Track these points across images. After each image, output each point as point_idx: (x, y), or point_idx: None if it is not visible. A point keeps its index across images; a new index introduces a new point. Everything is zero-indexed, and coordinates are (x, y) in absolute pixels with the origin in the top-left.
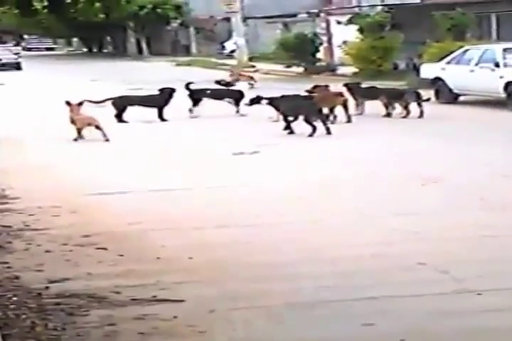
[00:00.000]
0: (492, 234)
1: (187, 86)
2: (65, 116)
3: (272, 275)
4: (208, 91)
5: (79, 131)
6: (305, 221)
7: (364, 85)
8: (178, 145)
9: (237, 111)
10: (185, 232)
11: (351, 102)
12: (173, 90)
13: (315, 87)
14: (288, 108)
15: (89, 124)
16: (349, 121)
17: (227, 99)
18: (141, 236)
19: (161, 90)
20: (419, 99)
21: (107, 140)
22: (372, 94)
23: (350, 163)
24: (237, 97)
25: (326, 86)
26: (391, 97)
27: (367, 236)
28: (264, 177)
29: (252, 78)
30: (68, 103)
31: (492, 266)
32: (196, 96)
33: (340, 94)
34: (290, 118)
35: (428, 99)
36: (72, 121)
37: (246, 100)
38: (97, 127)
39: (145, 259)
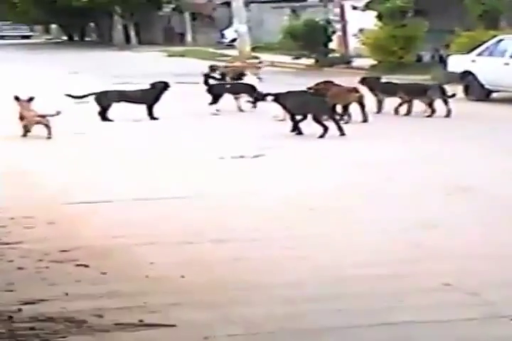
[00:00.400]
0: None
1: (206, 80)
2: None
3: (275, 298)
4: (228, 86)
5: (26, 127)
6: (314, 235)
7: (384, 80)
8: (169, 148)
9: (254, 107)
10: (177, 247)
11: (369, 99)
12: (166, 85)
13: (318, 83)
14: (295, 105)
15: (37, 122)
16: (365, 120)
17: (243, 95)
18: (127, 251)
19: (153, 85)
20: (444, 95)
21: (49, 138)
22: (392, 89)
23: (367, 168)
24: (253, 93)
25: (330, 82)
26: (412, 93)
27: (384, 252)
28: (268, 185)
29: (258, 68)
30: (17, 98)
31: None
32: (216, 92)
33: (355, 90)
34: (298, 117)
35: (453, 95)
36: (21, 117)
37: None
38: (46, 126)
39: (131, 278)
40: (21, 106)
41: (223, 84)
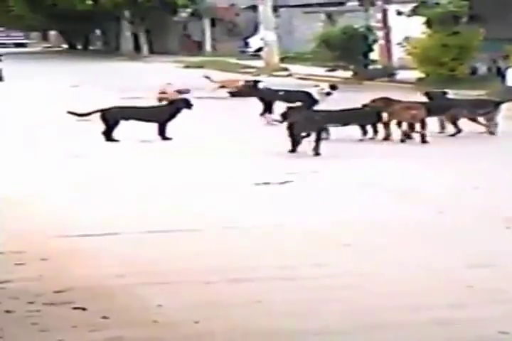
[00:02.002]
0: None
1: (254, 85)
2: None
3: None
4: (281, 93)
5: None
6: (350, 274)
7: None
8: (183, 173)
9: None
10: (190, 288)
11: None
12: (186, 102)
13: (375, 100)
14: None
15: None
16: (424, 141)
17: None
18: (131, 292)
19: (171, 102)
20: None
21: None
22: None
23: (413, 197)
24: (310, 102)
25: (387, 98)
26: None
27: (431, 295)
28: (297, 216)
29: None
30: None
31: None
32: (268, 99)
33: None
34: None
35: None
36: None
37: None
38: None
39: (137, 323)
40: None
41: (276, 91)
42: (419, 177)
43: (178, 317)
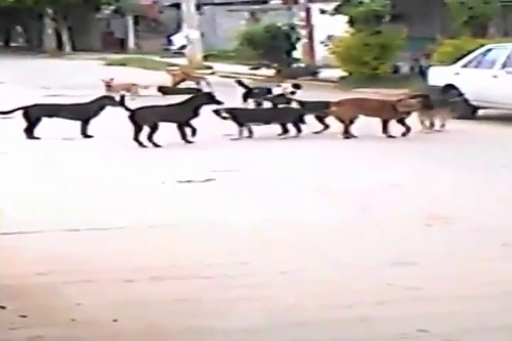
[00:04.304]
0: None
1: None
2: None
3: None
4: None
5: None
6: (272, 272)
7: None
8: (102, 171)
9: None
10: (109, 286)
11: None
12: (111, 99)
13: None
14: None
15: None
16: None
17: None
18: (52, 290)
19: (95, 99)
20: None
21: None
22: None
23: (334, 194)
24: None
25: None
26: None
27: (353, 293)
28: (220, 214)
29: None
30: None
31: None
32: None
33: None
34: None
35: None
36: None
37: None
38: None
39: (56, 322)
40: None
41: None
42: (342, 175)
43: (97, 316)
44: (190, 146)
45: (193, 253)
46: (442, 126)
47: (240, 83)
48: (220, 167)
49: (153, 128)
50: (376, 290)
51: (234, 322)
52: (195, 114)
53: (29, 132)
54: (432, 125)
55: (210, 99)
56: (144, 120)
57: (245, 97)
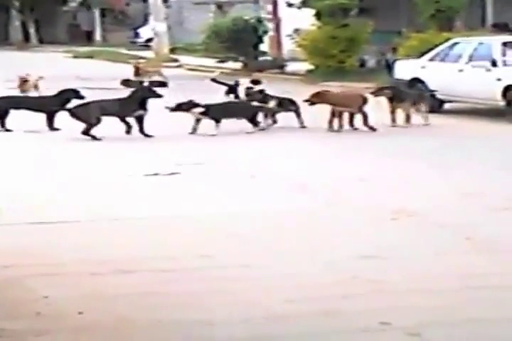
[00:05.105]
0: (479, 285)
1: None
2: None
3: (187, 339)
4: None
5: None
6: (238, 265)
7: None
8: (69, 164)
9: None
10: (74, 279)
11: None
12: (75, 92)
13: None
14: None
15: None
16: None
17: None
18: (16, 283)
19: (60, 92)
20: None
21: None
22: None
23: (300, 188)
24: None
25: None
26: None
27: (318, 287)
28: (185, 206)
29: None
30: None
31: (476, 327)
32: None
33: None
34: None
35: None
36: None
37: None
38: None
39: (21, 315)
40: None
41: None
42: (308, 169)
43: (62, 309)
44: (154, 140)
45: (158, 246)
46: (408, 119)
47: (215, 81)
48: (184, 160)
49: (96, 123)
50: (341, 283)
51: (199, 315)
52: (140, 107)
53: (1, 124)
54: (408, 118)
55: (151, 92)
56: (87, 115)
57: (228, 93)
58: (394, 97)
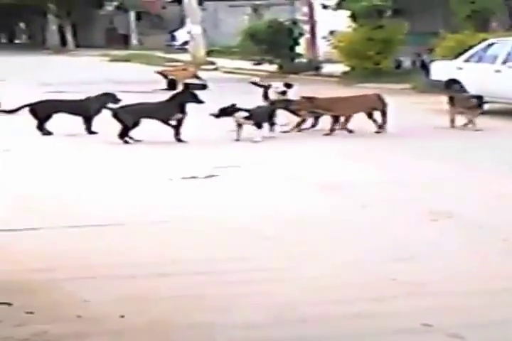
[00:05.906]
0: None
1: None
2: None
3: None
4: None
5: None
6: (274, 268)
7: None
8: (107, 168)
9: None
10: (112, 282)
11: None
12: (112, 96)
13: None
14: None
15: None
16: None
17: None
18: (55, 287)
19: (98, 96)
20: None
21: None
22: None
23: (338, 190)
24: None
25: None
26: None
27: (355, 288)
28: (222, 210)
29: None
30: None
31: None
32: None
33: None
34: None
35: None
36: None
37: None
38: None
39: (62, 318)
40: None
41: None
42: (341, 171)
43: (103, 312)
44: (190, 144)
45: (193, 249)
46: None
47: (255, 83)
48: (221, 163)
49: (133, 127)
50: (378, 285)
51: (235, 318)
52: (180, 111)
53: (41, 128)
54: (452, 122)
55: (193, 97)
56: (127, 117)
57: (266, 96)
58: (455, 101)
